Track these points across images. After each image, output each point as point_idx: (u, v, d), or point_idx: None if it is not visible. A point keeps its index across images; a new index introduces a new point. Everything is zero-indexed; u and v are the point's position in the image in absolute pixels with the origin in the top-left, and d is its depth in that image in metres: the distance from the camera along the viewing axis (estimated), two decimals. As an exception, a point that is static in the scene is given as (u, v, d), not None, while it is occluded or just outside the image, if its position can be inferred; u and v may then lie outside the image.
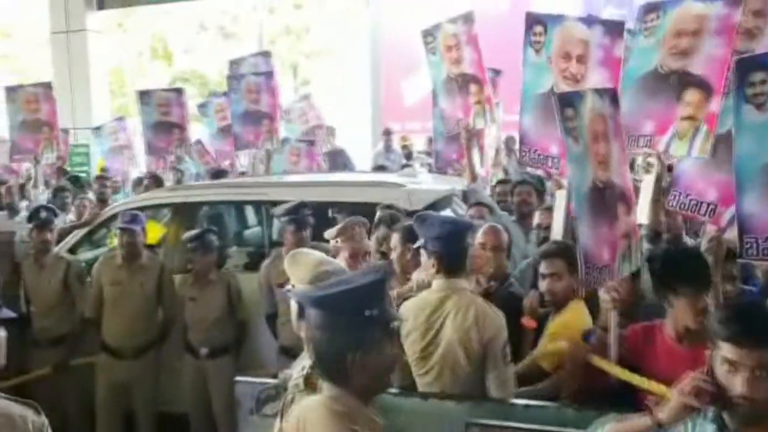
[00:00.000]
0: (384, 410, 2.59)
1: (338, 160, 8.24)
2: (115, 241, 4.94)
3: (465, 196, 4.95)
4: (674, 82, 3.41)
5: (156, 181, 7.42)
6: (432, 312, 2.88)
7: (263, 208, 5.46)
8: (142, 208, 5.75)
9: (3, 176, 8.56)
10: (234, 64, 8.18)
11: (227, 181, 6.28)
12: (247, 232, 6.24)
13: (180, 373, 4.64)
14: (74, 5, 12.40)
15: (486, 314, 2.86)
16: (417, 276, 3.21)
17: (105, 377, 4.58)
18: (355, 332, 1.77)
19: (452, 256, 2.92)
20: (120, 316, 4.55)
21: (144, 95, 8.03)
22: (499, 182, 5.68)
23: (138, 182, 8.65)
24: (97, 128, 9.88)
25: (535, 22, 3.84)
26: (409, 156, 9.36)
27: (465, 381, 2.86)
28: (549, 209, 4.22)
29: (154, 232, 6.08)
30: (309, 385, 2.16)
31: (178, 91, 8.15)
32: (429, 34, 5.52)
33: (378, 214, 3.98)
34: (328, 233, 3.74)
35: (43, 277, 4.81)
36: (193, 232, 4.65)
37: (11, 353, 2.36)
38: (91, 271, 4.80)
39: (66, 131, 9.64)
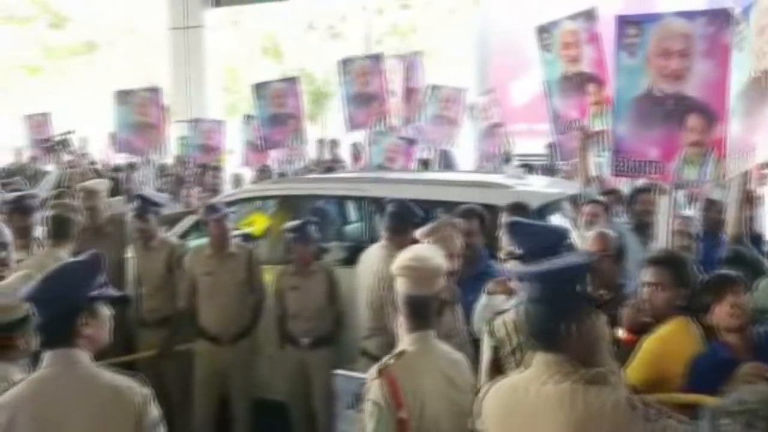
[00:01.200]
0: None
1: (442, 160, 8.14)
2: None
3: (575, 201, 4.72)
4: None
5: (265, 174, 7.62)
6: None
7: (364, 203, 5.42)
8: (247, 200, 5.89)
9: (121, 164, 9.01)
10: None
11: (330, 176, 6.31)
12: (347, 227, 6.23)
13: (277, 361, 4.67)
14: (192, 2, 12.89)
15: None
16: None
17: (203, 363, 4.66)
18: (571, 304, 1.99)
19: None
20: (216, 305, 4.62)
21: (259, 87, 8.03)
22: (607, 192, 5.33)
23: (235, 179, 8.90)
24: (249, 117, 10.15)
25: (627, 24, 3.68)
26: (507, 160, 9.10)
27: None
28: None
29: (260, 223, 6.20)
30: (383, 374, 2.32)
31: (293, 81, 8.08)
32: (545, 31, 5.35)
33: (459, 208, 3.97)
34: (419, 233, 3.59)
35: (149, 259, 4.97)
36: (293, 223, 4.66)
37: (118, 332, 2.42)
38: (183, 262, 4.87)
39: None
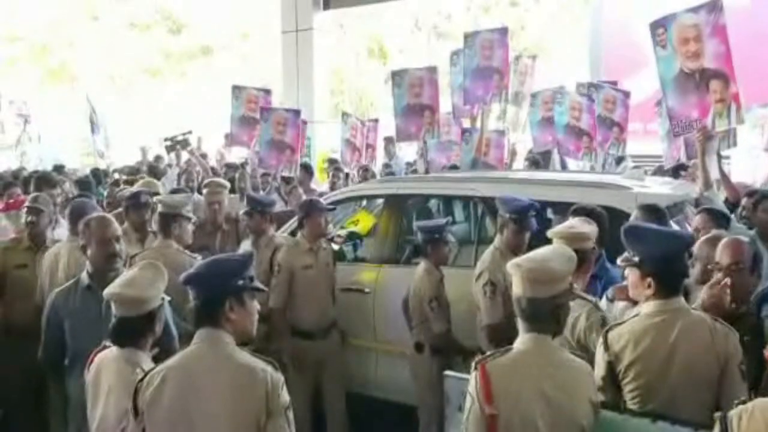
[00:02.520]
0: (608, 431, 2.39)
1: (549, 159, 7.92)
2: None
3: (698, 204, 4.47)
4: None
5: (368, 173, 7.68)
6: (656, 338, 2.60)
7: (473, 203, 5.35)
8: (353, 199, 5.96)
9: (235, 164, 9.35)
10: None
11: (438, 175, 6.27)
12: (454, 228, 6.18)
13: (400, 364, 4.60)
14: (303, 5, 13.14)
15: (717, 330, 2.60)
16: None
17: (299, 360, 4.64)
18: None
19: (673, 276, 2.65)
20: (314, 299, 4.68)
21: (397, 75, 7.68)
22: (748, 194, 4.70)
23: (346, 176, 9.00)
24: (346, 115, 10.05)
25: None
26: (619, 160, 8.71)
27: (697, 409, 2.54)
28: None
29: (366, 222, 6.26)
30: (478, 367, 2.36)
31: (432, 70, 7.59)
32: (659, 26, 5.09)
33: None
34: (556, 233, 3.30)
35: (257, 257, 5.08)
36: (429, 223, 4.55)
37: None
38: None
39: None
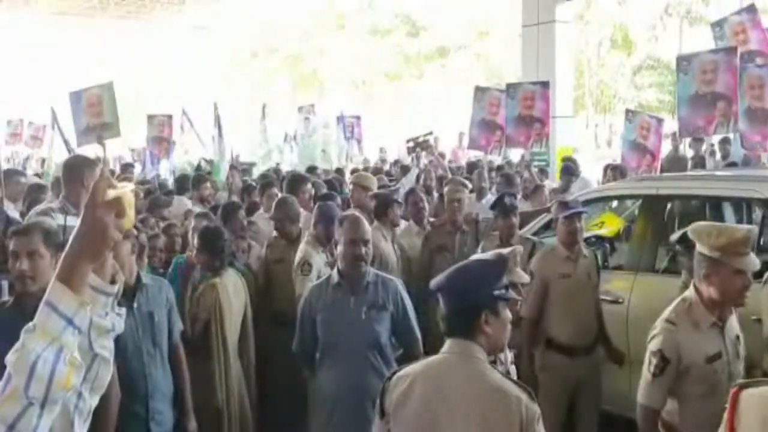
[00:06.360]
0: None
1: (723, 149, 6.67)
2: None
3: None
4: None
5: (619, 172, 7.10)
6: None
7: (750, 206, 4.64)
8: (605, 199, 5.52)
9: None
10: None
11: (707, 173, 5.59)
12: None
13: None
14: (545, -2, 12.75)
15: None
16: None
17: (553, 377, 4.31)
18: None
19: None
20: (572, 311, 4.28)
21: (684, 60, 6.60)
22: None
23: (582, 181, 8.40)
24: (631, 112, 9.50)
25: None
26: None
27: None
28: None
29: (612, 225, 5.78)
30: (733, 392, 2.09)
31: (730, 52, 6.40)
32: None
33: None
34: None
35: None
36: (680, 233, 4.02)
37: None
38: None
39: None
